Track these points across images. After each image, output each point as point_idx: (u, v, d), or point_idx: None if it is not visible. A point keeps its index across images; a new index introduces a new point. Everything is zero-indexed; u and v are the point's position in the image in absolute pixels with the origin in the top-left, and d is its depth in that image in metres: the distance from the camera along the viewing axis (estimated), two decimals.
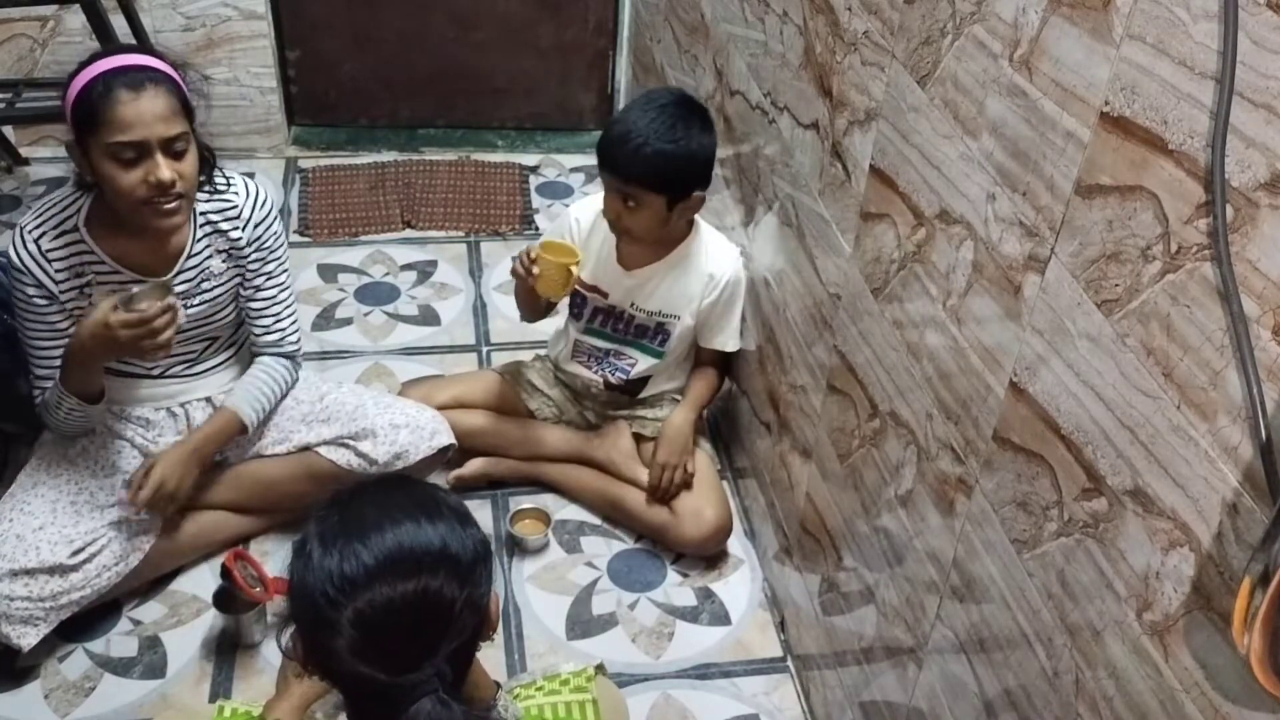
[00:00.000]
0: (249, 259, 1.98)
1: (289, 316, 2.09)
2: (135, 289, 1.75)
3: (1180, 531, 0.94)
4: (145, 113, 1.68)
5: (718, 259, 2.15)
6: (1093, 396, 1.06)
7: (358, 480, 1.19)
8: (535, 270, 2.04)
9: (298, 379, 2.14)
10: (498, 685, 1.44)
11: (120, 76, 1.68)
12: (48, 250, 1.81)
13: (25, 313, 1.85)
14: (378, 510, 1.11)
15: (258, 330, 2.07)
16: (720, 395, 2.34)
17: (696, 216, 2.19)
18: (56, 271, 1.82)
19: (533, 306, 2.29)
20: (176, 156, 1.73)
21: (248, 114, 3.23)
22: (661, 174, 2.00)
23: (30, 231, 1.81)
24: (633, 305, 2.20)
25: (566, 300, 2.26)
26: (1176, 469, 0.95)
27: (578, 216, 2.24)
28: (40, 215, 1.83)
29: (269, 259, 2.01)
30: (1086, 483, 1.08)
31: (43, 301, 1.83)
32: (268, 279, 2.02)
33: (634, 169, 1.99)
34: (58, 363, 1.87)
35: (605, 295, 2.22)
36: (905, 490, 1.49)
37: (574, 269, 2.06)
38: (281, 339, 2.08)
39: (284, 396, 2.10)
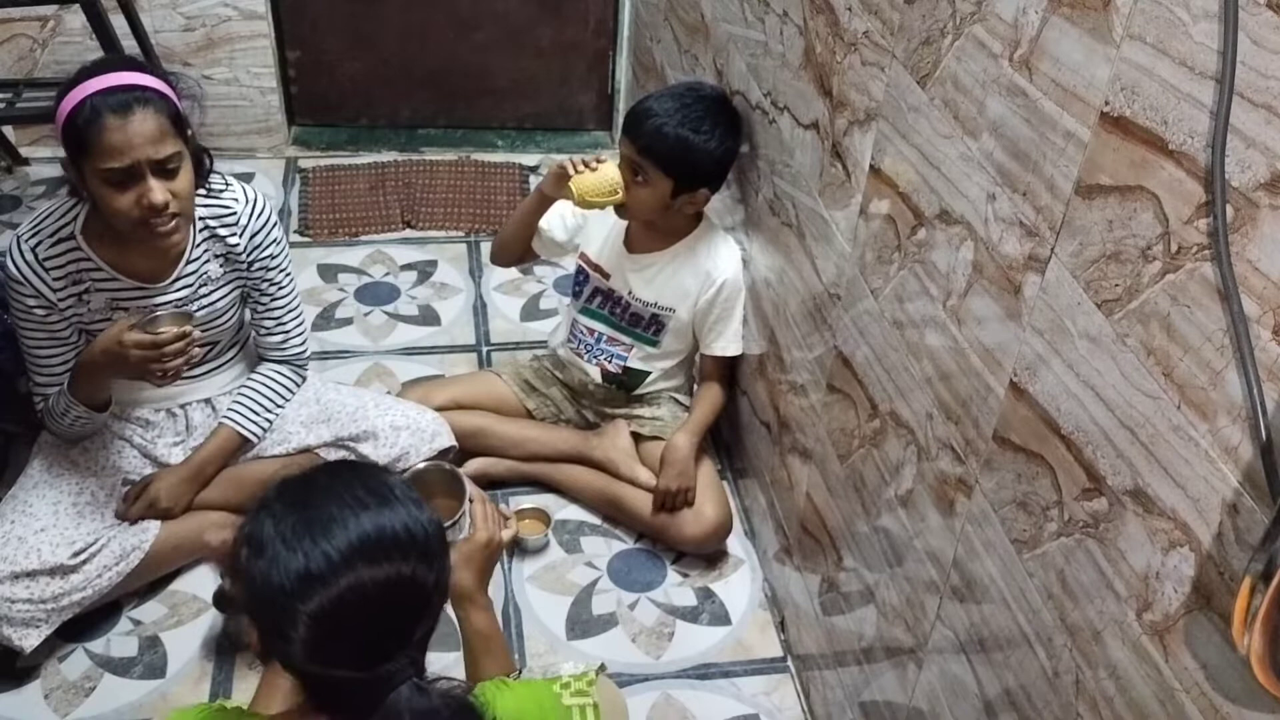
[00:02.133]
0: (252, 269, 1.99)
1: (293, 321, 2.09)
2: (158, 312, 1.76)
3: (1180, 531, 0.94)
4: (134, 136, 1.66)
5: (718, 259, 2.15)
6: (1093, 396, 1.06)
7: (298, 469, 1.15)
8: (595, 165, 2.05)
9: (301, 385, 2.15)
10: (519, 672, 1.44)
11: (107, 99, 1.65)
12: (44, 259, 1.80)
13: (25, 322, 1.85)
14: (336, 503, 1.07)
15: (260, 333, 2.08)
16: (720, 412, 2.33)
17: (708, 215, 2.20)
18: (54, 280, 1.81)
19: (519, 240, 2.28)
20: (169, 175, 1.72)
21: (248, 114, 3.23)
22: (676, 157, 2.02)
23: (26, 240, 1.81)
24: (630, 293, 2.21)
25: (559, 276, 2.26)
26: (1176, 469, 0.95)
27: None
28: (36, 225, 1.82)
29: (271, 267, 2.01)
30: (1086, 483, 1.08)
31: (41, 311, 1.83)
32: (271, 284, 2.03)
33: (652, 143, 2.01)
34: (58, 369, 1.87)
35: (607, 276, 2.23)
36: (905, 490, 1.49)
37: (620, 192, 2.06)
38: (284, 342, 2.09)
39: (286, 404, 2.11)
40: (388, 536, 1.06)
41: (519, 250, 2.33)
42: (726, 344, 2.19)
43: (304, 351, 2.14)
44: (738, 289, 2.15)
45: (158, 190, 1.70)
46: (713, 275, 2.14)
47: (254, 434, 2.05)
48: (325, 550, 1.03)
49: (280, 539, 1.05)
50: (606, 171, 2.06)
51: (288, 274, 2.06)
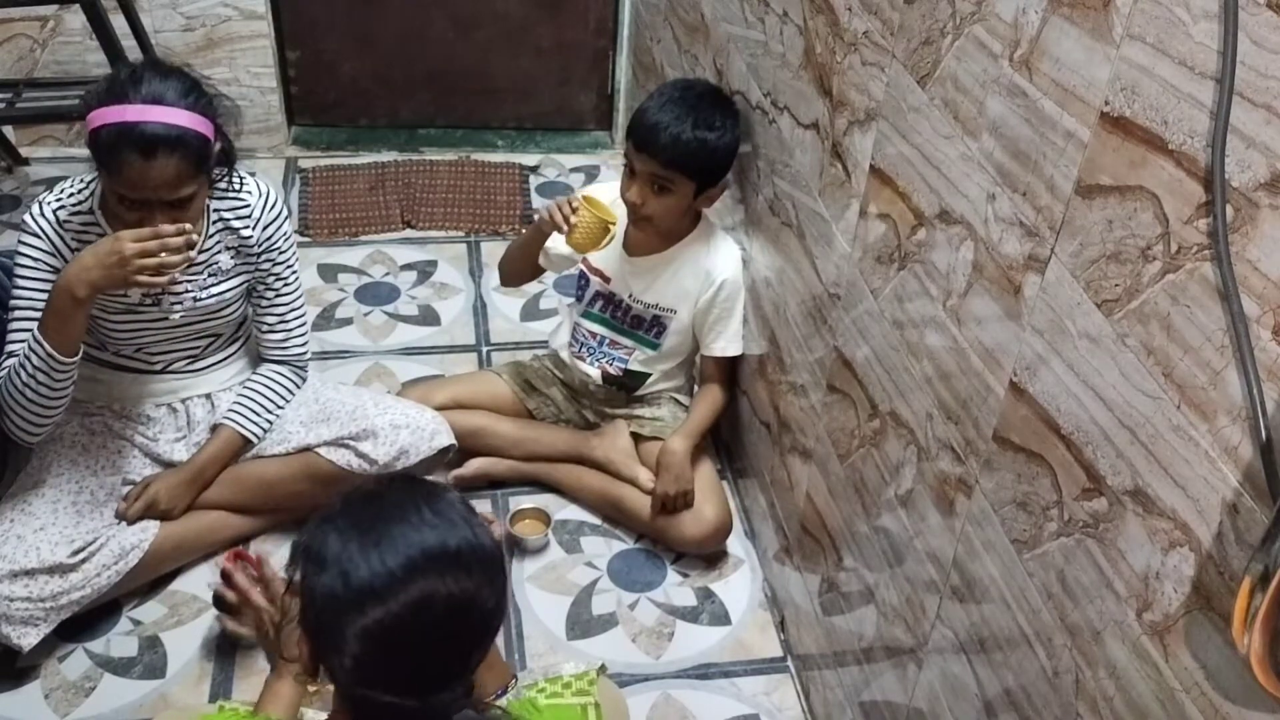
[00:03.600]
0: (259, 261, 2.00)
1: (295, 320, 2.09)
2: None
3: (1180, 531, 0.94)
4: (151, 179, 1.67)
5: (717, 258, 2.15)
6: (1093, 396, 1.06)
7: (364, 484, 1.15)
8: (574, 220, 2.03)
9: (301, 386, 2.15)
10: (515, 678, 1.44)
11: (133, 133, 1.64)
12: (64, 221, 1.83)
13: (28, 273, 1.83)
14: (400, 520, 1.07)
15: (262, 330, 2.09)
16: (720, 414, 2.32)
17: (706, 213, 2.20)
18: (71, 242, 1.83)
19: (524, 266, 2.30)
20: (179, 208, 1.73)
21: (248, 114, 3.21)
22: (700, 160, 2.02)
23: (49, 204, 1.84)
24: (631, 295, 2.21)
25: (559, 277, 2.26)
26: (1176, 469, 0.95)
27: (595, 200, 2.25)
28: (59, 194, 1.86)
29: (279, 261, 2.02)
30: (1086, 483, 1.08)
31: (50, 263, 1.82)
32: (277, 279, 2.04)
33: (676, 153, 2.01)
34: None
35: (608, 280, 2.23)
36: (905, 490, 1.49)
37: (611, 229, 2.05)
38: (285, 340, 2.09)
39: (286, 405, 2.11)
40: (452, 554, 1.05)
41: (528, 275, 2.36)
42: (726, 344, 2.19)
43: (305, 352, 2.14)
44: (737, 289, 2.15)
45: (163, 226, 1.71)
46: (712, 275, 2.14)
47: (255, 435, 2.05)
48: (391, 566, 1.02)
49: (345, 553, 1.04)
50: (586, 219, 2.03)
51: (294, 270, 2.06)
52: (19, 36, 2.99)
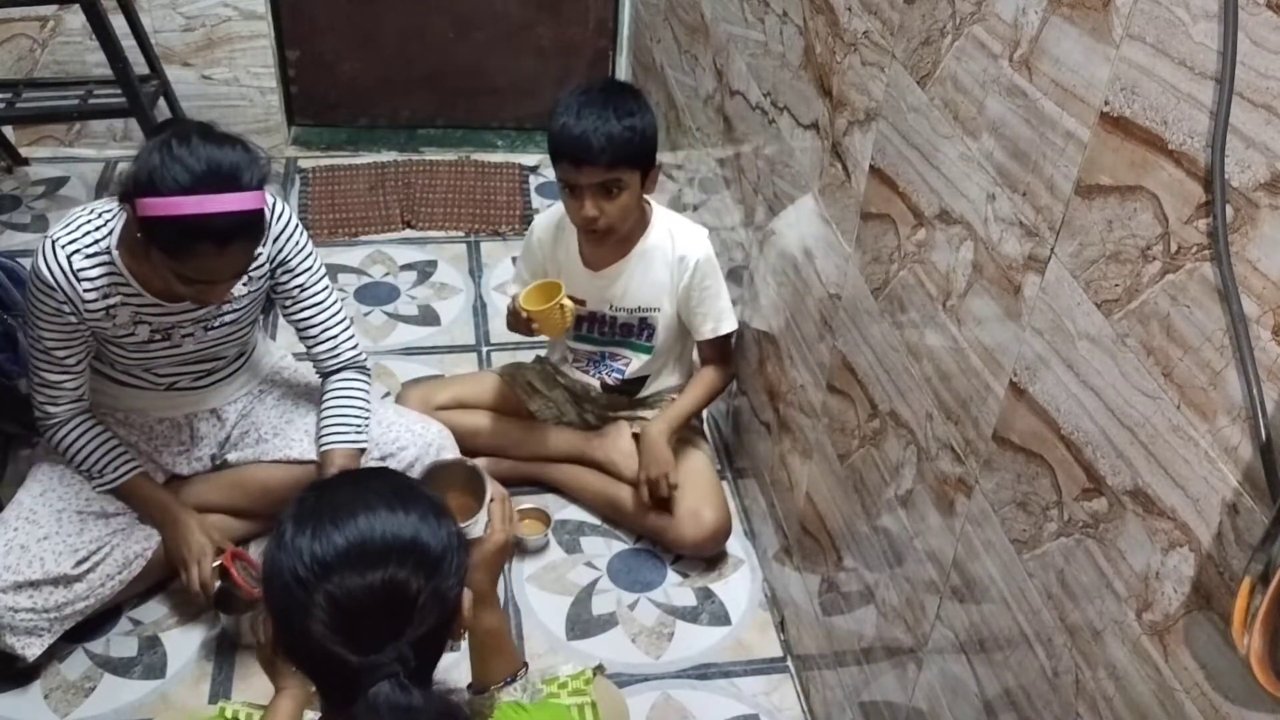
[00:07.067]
0: (278, 276, 1.93)
1: (338, 326, 2.01)
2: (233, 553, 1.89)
3: (1180, 531, 0.94)
4: (226, 267, 1.65)
5: (683, 242, 2.13)
6: (1092, 396, 1.06)
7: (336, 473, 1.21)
8: (534, 326, 2.07)
9: (369, 381, 2.08)
10: (526, 665, 1.46)
11: (207, 229, 1.58)
12: (79, 269, 1.74)
13: (41, 321, 1.78)
14: (353, 495, 1.13)
15: (310, 346, 2.01)
16: (720, 395, 2.32)
17: (654, 205, 2.17)
18: (85, 291, 1.75)
19: (529, 334, 2.27)
20: (241, 275, 1.74)
21: (248, 114, 3.23)
22: (636, 147, 2.00)
23: (64, 247, 1.74)
24: (611, 307, 2.20)
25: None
26: (1176, 469, 0.95)
27: (539, 236, 2.24)
28: (73, 233, 1.76)
29: (299, 271, 1.94)
30: (1086, 483, 1.08)
31: (65, 312, 1.77)
32: (302, 289, 1.96)
33: (616, 151, 1.97)
34: (59, 368, 1.84)
35: (583, 303, 2.21)
36: (905, 490, 1.49)
37: (566, 304, 2.06)
38: (335, 348, 2.01)
39: (369, 403, 2.04)
40: (391, 534, 1.09)
41: (523, 331, 2.23)
42: (718, 323, 2.18)
43: (359, 352, 2.05)
44: (713, 266, 2.14)
45: (223, 294, 1.72)
46: (686, 259, 2.12)
47: (359, 442, 1.98)
48: (330, 532, 1.08)
49: (292, 519, 1.11)
50: (540, 317, 2.04)
51: (319, 276, 1.98)
52: (19, 36, 2.99)
